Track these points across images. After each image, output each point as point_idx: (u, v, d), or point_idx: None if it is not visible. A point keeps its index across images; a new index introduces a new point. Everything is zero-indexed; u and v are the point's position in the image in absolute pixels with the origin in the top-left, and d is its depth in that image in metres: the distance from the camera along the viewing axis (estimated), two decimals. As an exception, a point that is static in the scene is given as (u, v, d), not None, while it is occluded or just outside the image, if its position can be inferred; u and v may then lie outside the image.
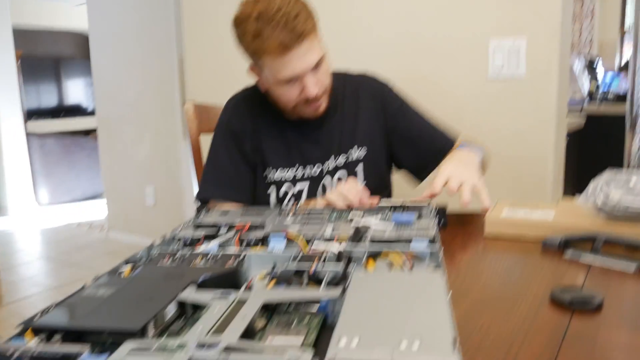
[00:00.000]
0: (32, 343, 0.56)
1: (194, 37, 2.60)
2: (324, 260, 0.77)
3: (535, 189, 1.91)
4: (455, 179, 1.09)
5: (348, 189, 1.13)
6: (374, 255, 0.81)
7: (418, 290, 0.66)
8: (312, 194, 1.38)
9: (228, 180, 1.37)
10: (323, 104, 1.32)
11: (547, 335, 0.64)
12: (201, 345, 0.53)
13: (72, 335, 0.58)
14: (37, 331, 0.59)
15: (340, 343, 0.52)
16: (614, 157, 2.94)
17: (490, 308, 0.73)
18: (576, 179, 2.84)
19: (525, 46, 1.87)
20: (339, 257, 0.79)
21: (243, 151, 1.37)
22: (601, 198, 0.99)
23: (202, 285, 0.70)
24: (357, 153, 1.40)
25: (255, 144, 1.37)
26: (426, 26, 2.05)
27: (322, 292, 0.66)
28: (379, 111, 1.42)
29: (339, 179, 1.38)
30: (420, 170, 1.43)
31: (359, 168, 1.40)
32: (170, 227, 0.99)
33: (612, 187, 1.00)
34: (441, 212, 1.09)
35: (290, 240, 0.90)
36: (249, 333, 0.59)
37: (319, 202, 1.12)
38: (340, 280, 0.73)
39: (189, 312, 0.67)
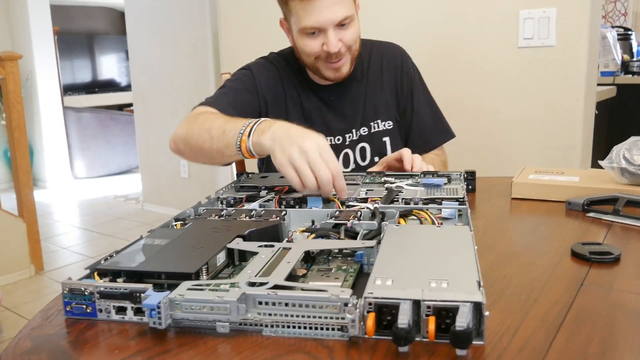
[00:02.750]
0: (100, 282, 0.64)
1: (228, 10, 2.65)
2: (359, 217, 0.83)
3: (563, 157, 1.93)
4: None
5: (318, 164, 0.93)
6: (405, 214, 0.87)
7: (447, 241, 0.72)
8: None
9: (228, 100, 1.32)
10: (345, 66, 1.33)
11: (566, 283, 0.69)
12: (252, 284, 0.60)
13: (133, 277, 0.65)
14: (102, 274, 0.67)
15: (376, 283, 0.59)
16: (645, 128, 2.92)
17: (514, 260, 0.78)
18: (606, 149, 2.84)
19: (555, 16, 1.88)
20: (373, 213, 0.85)
21: (260, 99, 1.36)
22: (623, 161, 1.03)
23: (248, 237, 0.76)
24: (382, 125, 1.42)
25: (281, 108, 1.39)
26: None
27: (358, 242, 0.73)
28: (397, 86, 1.44)
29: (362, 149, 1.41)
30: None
31: (387, 141, 1.42)
32: (203, 199, 1.03)
33: (634, 152, 1.03)
34: (470, 177, 1.14)
35: (326, 202, 0.96)
36: (292, 278, 0.65)
37: (289, 173, 0.95)
38: (375, 234, 0.79)
39: (236, 262, 0.74)
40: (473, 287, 0.57)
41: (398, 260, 0.66)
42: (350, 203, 0.93)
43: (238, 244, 0.74)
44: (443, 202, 0.92)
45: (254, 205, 0.97)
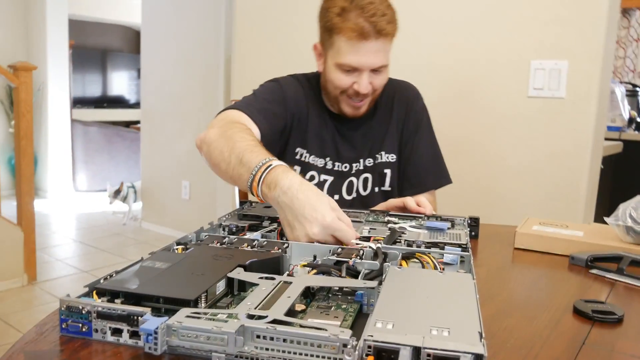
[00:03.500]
0: (99, 302, 0.63)
1: (243, 36, 2.68)
2: (362, 256, 0.83)
3: (567, 209, 1.93)
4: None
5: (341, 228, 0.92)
6: (407, 256, 0.86)
7: (449, 288, 0.71)
8: (335, 188, 1.42)
9: (259, 107, 1.31)
10: (364, 107, 1.37)
11: (567, 341, 0.68)
12: (251, 316, 0.59)
13: (132, 299, 0.65)
14: (100, 293, 0.66)
15: (377, 325, 0.58)
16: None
17: (515, 313, 0.77)
18: (609, 205, 2.84)
19: (567, 68, 1.90)
20: (375, 253, 0.84)
21: (285, 113, 1.37)
22: (629, 220, 1.02)
23: (249, 268, 0.76)
24: (385, 158, 1.44)
25: (302, 126, 1.40)
26: (470, 43, 2.10)
27: (360, 282, 0.72)
28: (404, 120, 1.46)
29: (365, 179, 1.43)
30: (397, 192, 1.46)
31: (387, 173, 1.44)
32: (202, 222, 1.03)
33: (641, 211, 1.03)
34: (473, 223, 1.13)
35: (329, 237, 0.96)
36: (291, 314, 0.64)
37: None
38: (376, 274, 0.78)
39: (235, 291, 0.73)
40: (474, 337, 0.56)
41: (399, 303, 0.65)
42: (353, 241, 0.93)
43: (239, 274, 0.73)
44: (446, 247, 0.92)
45: (256, 235, 0.97)
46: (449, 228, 1.06)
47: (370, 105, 1.40)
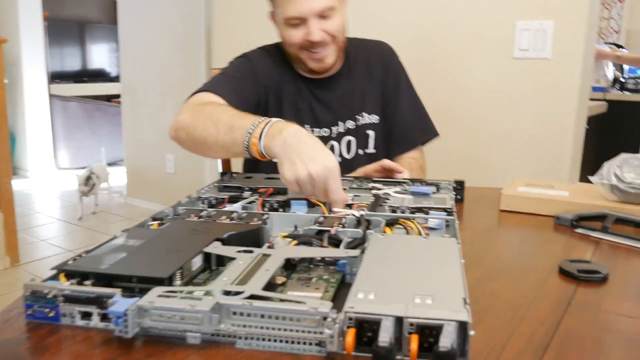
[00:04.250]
0: (66, 284, 0.60)
1: (223, 5, 2.61)
2: (344, 225, 0.80)
3: (552, 170, 1.92)
4: None
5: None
6: (391, 223, 0.84)
7: (433, 254, 0.69)
8: None
9: (229, 86, 1.29)
10: (329, 58, 1.32)
11: (553, 301, 0.67)
12: (226, 293, 0.57)
13: (103, 280, 0.62)
14: (69, 275, 0.63)
15: (358, 296, 0.56)
16: (634, 144, 2.92)
17: (501, 275, 0.76)
18: (595, 164, 2.84)
19: (552, 29, 1.87)
20: (358, 221, 0.82)
21: (256, 83, 1.35)
22: (614, 178, 1.01)
23: (227, 241, 0.73)
24: (368, 119, 1.41)
25: (276, 96, 1.38)
26: (455, 4, 2.05)
27: (341, 251, 0.70)
28: (383, 80, 1.44)
29: (349, 142, 1.40)
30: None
31: (370, 134, 1.41)
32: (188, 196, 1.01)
33: (625, 169, 1.01)
34: (459, 186, 1.11)
35: (311, 206, 0.94)
36: (270, 286, 0.62)
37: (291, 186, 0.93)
38: (359, 243, 0.76)
39: (213, 266, 0.71)
40: (458, 304, 0.54)
41: (382, 272, 0.63)
42: (335, 209, 0.91)
43: (216, 248, 0.71)
44: (431, 211, 0.90)
45: (236, 206, 0.94)
46: (434, 192, 1.04)
47: (338, 56, 1.35)
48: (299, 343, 0.54)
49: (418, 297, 0.56)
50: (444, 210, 0.90)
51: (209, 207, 0.96)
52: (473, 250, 0.85)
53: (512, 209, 1.07)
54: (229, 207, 0.94)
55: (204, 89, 1.26)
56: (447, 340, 0.50)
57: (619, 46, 3.80)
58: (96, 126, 5.31)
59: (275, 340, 0.55)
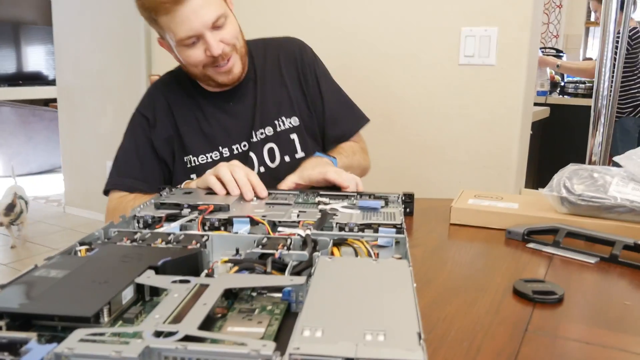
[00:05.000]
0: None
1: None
2: (289, 246, 0.76)
3: (499, 176, 1.93)
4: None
5: (237, 167, 1.04)
6: (339, 243, 0.80)
7: (384, 280, 0.65)
8: None
9: (131, 171, 1.32)
10: (236, 67, 1.27)
11: (509, 328, 0.64)
12: (158, 334, 0.51)
13: (19, 320, 0.55)
14: (-18, 315, 0.56)
15: (303, 335, 0.51)
16: (575, 149, 3.00)
17: (455, 298, 0.72)
18: (538, 170, 2.90)
19: (497, 35, 1.88)
20: (304, 241, 0.77)
21: (155, 139, 1.32)
22: (563, 190, 1.00)
23: (162, 269, 0.67)
24: (287, 122, 1.35)
25: (172, 130, 1.32)
26: (399, 11, 2.04)
27: (286, 279, 0.65)
28: (300, 79, 1.38)
29: (270, 150, 1.34)
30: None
31: (295, 139, 1.35)
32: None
33: (575, 181, 1.00)
34: (408, 199, 1.08)
35: (255, 224, 0.88)
36: (209, 321, 0.57)
37: (209, 178, 1.04)
38: (305, 266, 0.72)
39: (147, 297, 0.65)
40: (413, 341, 0.50)
41: (329, 303, 0.58)
42: (280, 228, 0.86)
43: (148, 278, 0.64)
44: (380, 227, 0.86)
45: (175, 226, 0.88)
46: (382, 207, 1.00)
47: (243, 63, 1.29)
48: (239, 389, 0.49)
49: (369, 333, 0.51)
50: (394, 226, 0.87)
51: (144, 228, 0.89)
52: (424, 270, 0.82)
53: (463, 222, 1.05)
54: (166, 227, 0.87)
55: (112, 184, 1.32)
56: (402, 387, 0.45)
57: (559, 51, 3.91)
58: (32, 132, 5.07)
59: (212, 387, 0.49)
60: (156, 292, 0.65)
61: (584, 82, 3.44)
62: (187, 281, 0.63)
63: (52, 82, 6.44)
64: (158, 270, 0.66)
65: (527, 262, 0.87)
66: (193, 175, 1.30)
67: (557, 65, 3.22)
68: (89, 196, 3.94)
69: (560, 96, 3.47)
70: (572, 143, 3.04)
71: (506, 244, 0.95)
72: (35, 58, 6.70)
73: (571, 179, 1.00)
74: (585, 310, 0.70)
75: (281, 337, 0.57)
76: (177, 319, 0.55)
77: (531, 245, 0.94)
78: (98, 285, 0.62)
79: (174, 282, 0.63)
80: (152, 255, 0.70)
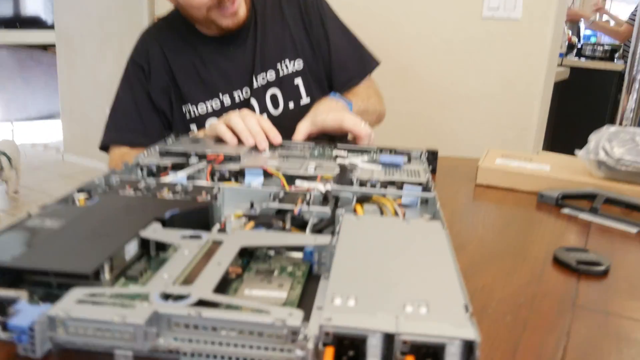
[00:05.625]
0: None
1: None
2: (309, 202, 0.69)
3: (518, 137, 1.85)
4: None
5: (249, 115, 0.98)
6: (362, 200, 0.73)
7: (418, 243, 0.58)
8: None
9: (131, 124, 1.23)
10: (241, 9, 1.18)
11: (555, 302, 0.58)
12: (166, 297, 0.45)
13: (8, 275, 0.48)
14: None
15: (334, 303, 0.44)
16: (591, 114, 2.91)
17: (491, 266, 0.66)
18: (552, 134, 2.80)
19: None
20: (324, 197, 0.70)
21: (151, 89, 1.23)
22: (602, 153, 0.92)
23: (169, 222, 0.60)
24: (291, 66, 1.26)
25: (168, 78, 1.23)
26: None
27: (309, 238, 0.58)
28: (303, 19, 1.29)
29: (273, 96, 1.25)
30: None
31: (299, 83, 1.27)
32: None
33: (614, 143, 0.93)
34: (431, 157, 1.01)
35: (268, 176, 0.81)
36: (223, 283, 0.50)
37: (219, 126, 0.98)
38: (326, 224, 0.65)
39: (153, 252, 0.58)
40: (459, 313, 0.44)
41: (359, 267, 0.51)
42: (297, 182, 0.79)
43: (155, 232, 0.57)
44: (405, 185, 0.79)
45: (181, 175, 0.81)
46: (405, 163, 0.93)
47: (247, 6, 1.20)
48: (260, 363, 0.42)
49: (409, 304, 0.45)
50: (419, 184, 0.80)
51: (148, 176, 0.82)
52: (454, 234, 0.74)
53: (490, 183, 0.97)
54: (172, 177, 0.80)
55: (111, 139, 1.23)
56: (453, 369, 0.39)
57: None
58: (30, 77, 4.95)
59: (229, 359, 0.43)
60: (162, 247, 0.58)
61: (602, 45, 3.32)
62: (199, 237, 0.56)
63: (51, 27, 6.26)
64: (165, 224, 0.60)
65: (564, 229, 0.80)
66: (193, 127, 1.22)
67: (591, 21, 3.07)
68: (88, 143, 3.85)
69: (577, 58, 3.34)
70: (588, 108, 2.95)
71: (538, 208, 0.88)
72: (33, 1, 6.49)
73: (611, 142, 0.92)
74: (636, 284, 0.63)
75: (304, 302, 0.51)
76: (189, 280, 0.48)
77: (566, 210, 0.87)
78: (98, 238, 0.55)
79: (184, 237, 0.56)
80: (158, 207, 0.63)
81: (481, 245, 0.73)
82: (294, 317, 0.42)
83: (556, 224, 0.82)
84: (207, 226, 0.64)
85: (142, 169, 0.84)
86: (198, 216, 0.64)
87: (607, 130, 0.95)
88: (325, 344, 0.41)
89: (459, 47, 1.90)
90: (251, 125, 0.96)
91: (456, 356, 0.40)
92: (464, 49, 1.89)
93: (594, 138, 0.95)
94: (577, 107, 3.00)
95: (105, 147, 1.24)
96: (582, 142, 0.97)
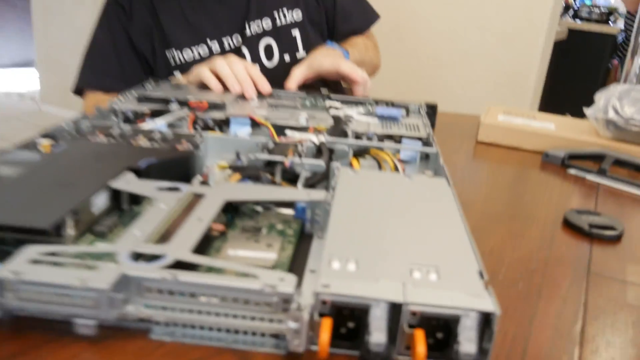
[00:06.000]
0: None
1: None
2: (301, 154, 0.62)
3: (513, 98, 1.79)
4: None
5: (235, 60, 0.92)
6: (359, 153, 0.67)
7: (422, 201, 0.52)
8: None
9: (108, 67, 1.13)
10: None
11: (569, 268, 0.53)
12: (137, 257, 0.38)
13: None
14: None
15: (332, 267, 0.38)
16: (585, 76, 2.84)
17: (498, 227, 0.61)
18: (548, 95, 2.74)
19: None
20: (318, 149, 0.64)
21: (132, 31, 1.13)
22: (612, 112, 0.87)
23: (145, 172, 0.53)
24: (289, 16, 1.17)
25: (151, 19, 1.12)
26: None
27: (302, 192, 0.52)
28: None
29: (267, 46, 1.16)
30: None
31: (296, 35, 1.18)
32: None
33: (625, 102, 0.87)
34: (430, 111, 0.94)
35: (256, 127, 0.75)
36: (204, 241, 0.44)
37: (202, 71, 0.92)
38: (320, 179, 0.59)
39: (124, 205, 0.51)
40: (474, 281, 0.38)
41: (359, 228, 0.45)
42: (288, 133, 0.72)
43: (128, 183, 0.51)
44: (403, 139, 0.73)
45: (160, 122, 0.74)
46: (403, 117, 0.86)
47: None
48: (245, 334, 0.37)
49: (417, 269, 0.39)
50: (419, 139, 0.74)
51: (123, 123, 0.74)
52: (458, 193, 0.69)
53: (492, 141, 0.92)
54: (150, 124, 0.73)
55: (85, 82, 1.14)
56: (470, 346, 0.34)
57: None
58: (2, 22, 4.74)
59: (210, 329, 0.37)
60: (136, 200, 0.52)
61: (598, 7, 3.23)
62: (177, 189, 0.50)
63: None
64: (140, 174, 0.53)
65: (572, 191, 0.75)
66: (177, 74, 1.13)
67: None
68: (66, 93, 3.72)
69: (573, 20, 3.26)
70: (581, 70, 2.89)
71: (542, 168, 0.83)
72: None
73: (621, 100, 0.87)
74: (652, 252, 0.58)
75: (295, 264, 0.45)
76: (164, 237, 0.42)
77: (572, 171, 0.82)
78: (62, 188, 0.48)
79: (161, 189, 0.50)
80: (132, 155, 0.56)
81: (486, 205, 0.68)
82: (286, 282, 0.36)
83: (563, 185, 0.77)
84: (187, 178, 0.57)
85: (117, 115, 0.76)
86: (177, 167, 0.58)
87: (618, 88, 0.89)
88: (321, 315, 0.36)
89: (458, 0, 1.81)
90: (238, 72, 0.88)
91: (472, 330, 0.35)
92: (464, 2, 1.80)
93: (603, 96, 0.89)
94: (571, 69, 2.93)
95: (79, 91, 1.16)
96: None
